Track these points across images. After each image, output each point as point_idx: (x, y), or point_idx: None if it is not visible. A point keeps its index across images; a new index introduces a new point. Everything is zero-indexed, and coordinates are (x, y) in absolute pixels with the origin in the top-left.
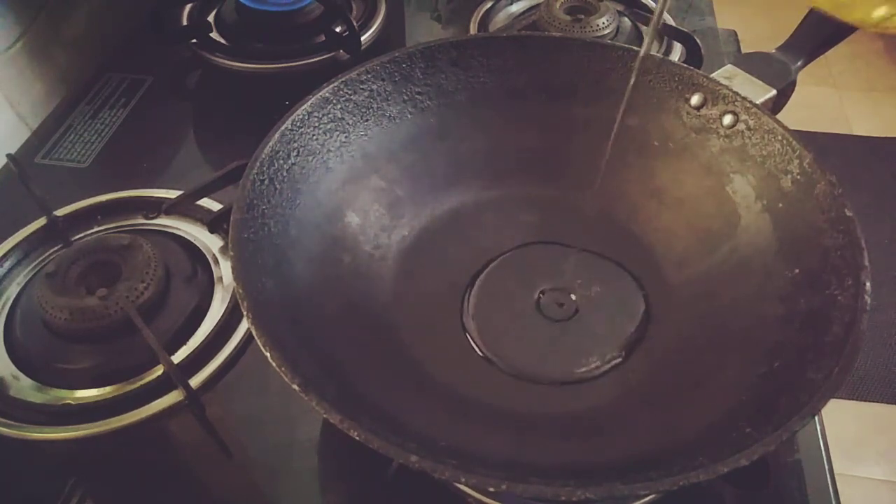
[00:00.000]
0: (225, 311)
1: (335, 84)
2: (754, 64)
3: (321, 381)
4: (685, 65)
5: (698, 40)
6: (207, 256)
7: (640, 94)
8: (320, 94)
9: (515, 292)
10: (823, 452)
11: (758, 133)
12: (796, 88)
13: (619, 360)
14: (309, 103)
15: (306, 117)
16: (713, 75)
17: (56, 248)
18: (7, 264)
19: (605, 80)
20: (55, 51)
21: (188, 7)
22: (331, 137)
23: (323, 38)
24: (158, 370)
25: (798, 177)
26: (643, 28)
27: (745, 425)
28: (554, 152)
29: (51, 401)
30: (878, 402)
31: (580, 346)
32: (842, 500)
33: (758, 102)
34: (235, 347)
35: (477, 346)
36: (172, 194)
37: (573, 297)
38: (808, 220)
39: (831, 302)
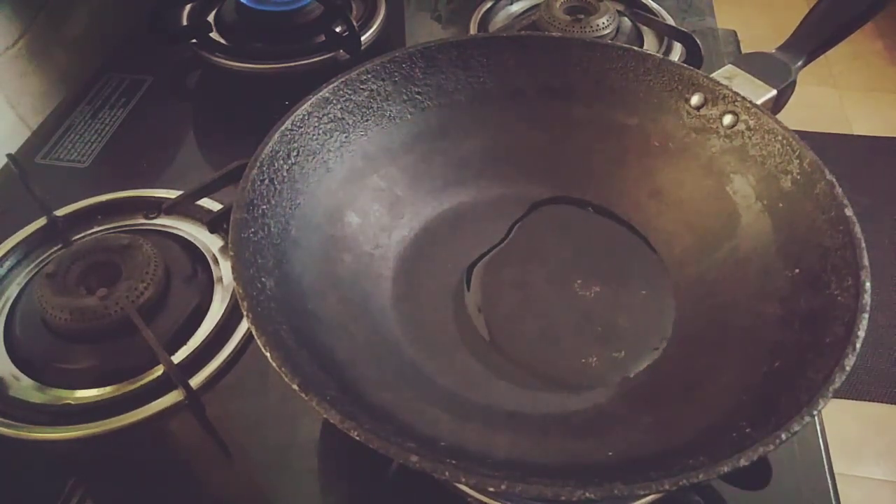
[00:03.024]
0: (225, 311)
1: (335, 84)
2: (754, 64)
3: (321, 381)
4: (685, 65)
5: (698, 40)
6: (207, 256)
7: (640, 94)
8: (320, 94)
9: (514, 288)
10: (823, 452)
11: (758, 133)
12: (796, 88)
13: (620, 357)
14: (309, 103)
15: (306, 117)
16: (713, 75)
17: (56, 248)
18: (7, 264)
19: (605, 80)
20: (55, 51)
21: (188, 7)
22: (331, 137)
23: (323, 38)
24: (158, 370)
25: (798, 177)
26: (643, 28)
27: (745, 425)
28: (554, 152)
29: (51, 401)
30: (878, 402)
31: (581, 345)
32: (842, 500)
33: (758, 102)
34: (235, 347)
35: (484, 338)
36: (172, 194)
37: (574, 294)
38: (808, 220)
39: (831, 302)
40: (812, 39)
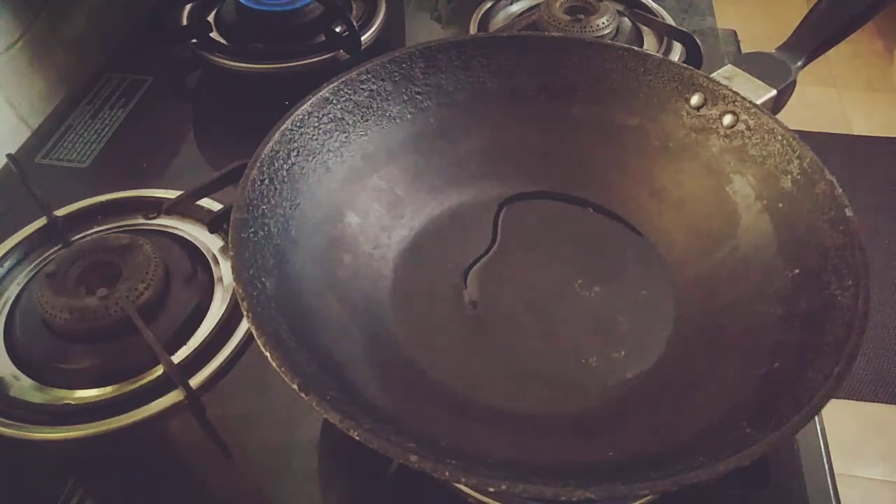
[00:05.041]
0: (225, 311)
1: (335, 84)
2: (754, 64)
3: (321, 381)
4: (685, 65)
5: (698, 40)
6: (207, 256)
7: (640, 94)
8: (320, 94)
9: (514, 287)
10: (823, 452)
11: (758, 133)
12: (796, 88)
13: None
14: (309, 103)
15: (306, 117)
16: (713, 75)
17: (56, 248)
18: (7, 264)
19: (605, 80)
20: (55, 51)
21: (188, 7)
22: (331, 137)
23: (323, 38)
24: (158, 370)
25: (798, 177)
26: (643, 28)
27: (745, 425)
28: (553, 152)
29: (51, 401)
30: (878, 402)
31: (581, 345)
32: (842, 500)
33: (758, 102)
34: (235, 347)
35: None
36: (172, 194)
37: (574, 294)
38: (808, 220)
39: (831, 302)
40: (812, 39)
